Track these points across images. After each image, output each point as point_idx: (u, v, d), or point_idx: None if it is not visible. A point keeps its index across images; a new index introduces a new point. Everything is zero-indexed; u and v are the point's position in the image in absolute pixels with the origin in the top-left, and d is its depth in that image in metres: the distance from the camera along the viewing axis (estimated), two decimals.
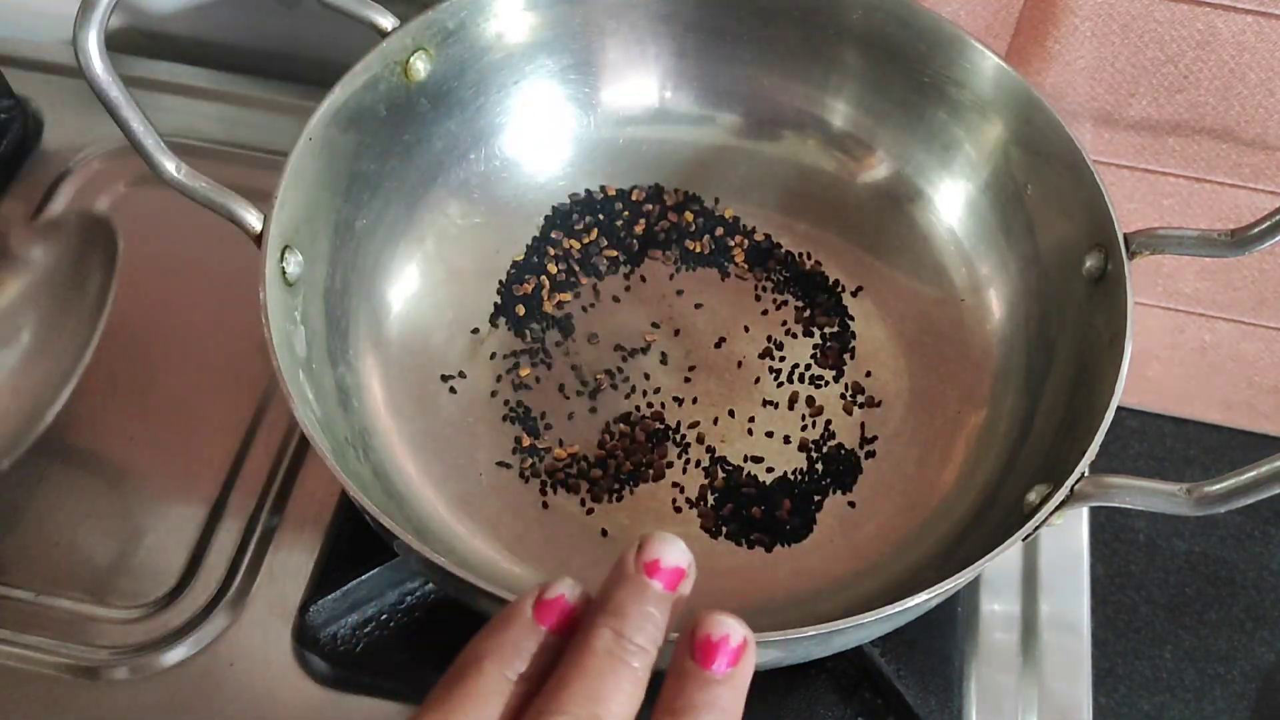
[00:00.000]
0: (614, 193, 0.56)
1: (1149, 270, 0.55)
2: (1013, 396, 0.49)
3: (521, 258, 0.54)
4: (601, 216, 0.55)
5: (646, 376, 0.51)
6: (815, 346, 0.52)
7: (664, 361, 0.52)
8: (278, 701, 0.46)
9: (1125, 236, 0.43)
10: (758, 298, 0.54)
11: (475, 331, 0.52)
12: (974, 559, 0.37)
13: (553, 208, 0.55)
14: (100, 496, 0.51)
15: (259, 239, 0.42)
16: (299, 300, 0.45)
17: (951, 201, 0.53)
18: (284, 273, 0.43)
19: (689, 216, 0.55)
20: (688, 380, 0.51)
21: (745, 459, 0.49)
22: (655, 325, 0.53)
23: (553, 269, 0.53)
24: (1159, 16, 0.47)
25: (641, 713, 0.26)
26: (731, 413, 0.50)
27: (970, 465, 0.48)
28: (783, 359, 0.52)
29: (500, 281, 0.53)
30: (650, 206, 0.55)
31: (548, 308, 0.53)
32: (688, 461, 0.49)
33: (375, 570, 0.47)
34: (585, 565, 0.46)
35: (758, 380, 0.51)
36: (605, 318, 0.53)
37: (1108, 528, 0.56)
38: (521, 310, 0.52)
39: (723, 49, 0.54)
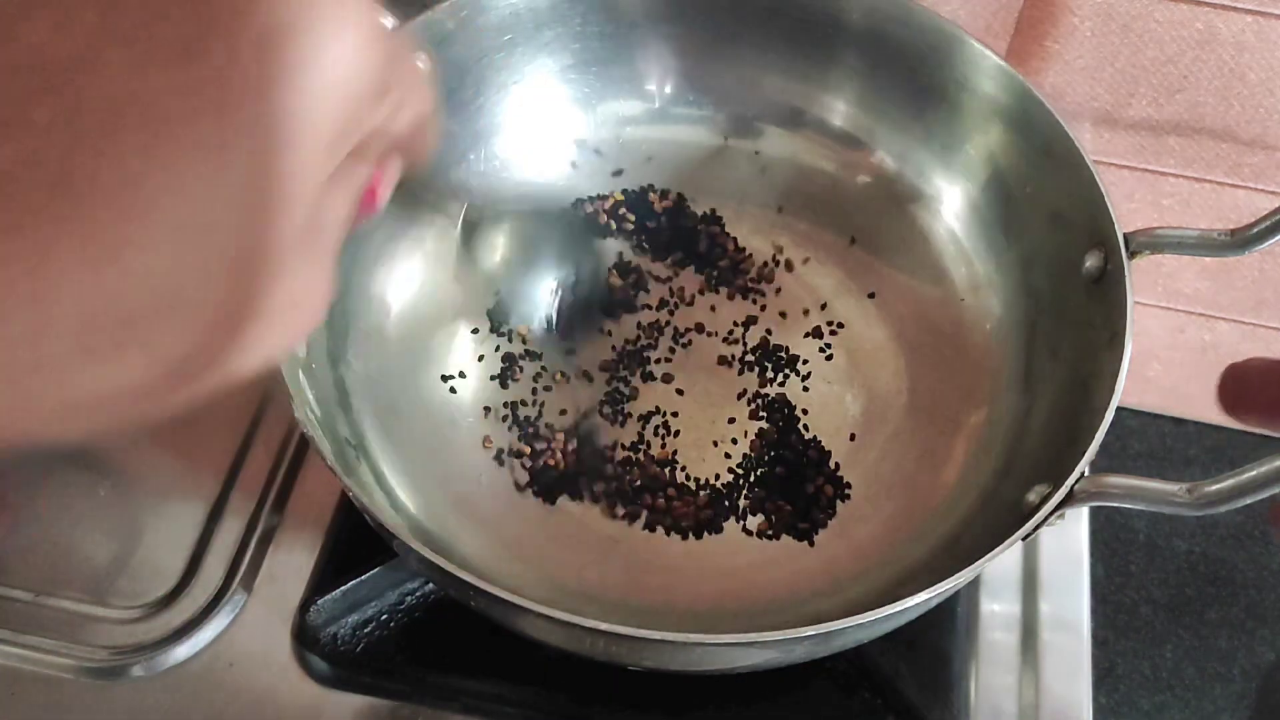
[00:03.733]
0: (613, 192, 0.55)
1: (1149, 270, 0.55)
2: (1012, 396, 0.49)
3: None
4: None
5: (647, 377, 0.51)
6: (815, 347, 0.52)
7: (664, 361, 0.52)
8: (278, 701, 0.46)
9: (1125, 236, 0.43)
10: (757, 298, 0.54)
11: (475, 331, 0.52)
12: (974, 559, 0.37)
13: None
14: (100, 496, 0.51)
15: None
16: None
17: (951, 201, 0.53)
18: None
19: (689, 216, 0.55)
20: (687, 379, 0.51)
21: (745, 458, 0.49)
22: (655, 325, 0.53)
23: None
24: (1159, 16, 0.47)
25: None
26: (730, 412, 0.50)
27: (970, 465, 0.48)
28: (782, 359, 0.52)
29: None
30: (650, 206, 0.55)
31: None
32: (688, 461, 0.49)
33: (375, 570, 0.47)
34: (585, 565, 0.46)
35: (756, 380, 0.51)
36: (605, 317, 0.53)
37: (1108, 528, 0.57)
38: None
39: (723, 49, 0.54)
